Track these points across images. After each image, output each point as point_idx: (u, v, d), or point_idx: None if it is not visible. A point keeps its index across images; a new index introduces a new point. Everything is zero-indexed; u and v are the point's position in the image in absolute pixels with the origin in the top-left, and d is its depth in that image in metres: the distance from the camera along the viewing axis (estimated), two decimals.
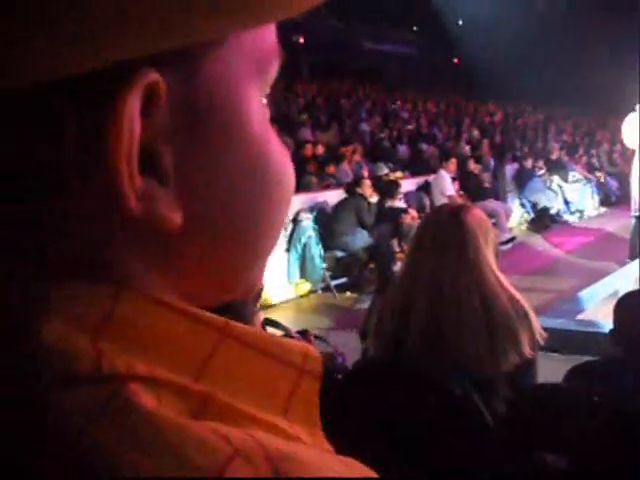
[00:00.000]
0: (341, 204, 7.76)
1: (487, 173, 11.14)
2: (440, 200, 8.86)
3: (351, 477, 0.34)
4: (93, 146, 0.32)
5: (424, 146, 12.59)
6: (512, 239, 9.61)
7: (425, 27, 25.62)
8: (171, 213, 0.34)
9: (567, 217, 12.13)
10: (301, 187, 8.04)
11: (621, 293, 2.79)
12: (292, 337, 1.85)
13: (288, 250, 7.20)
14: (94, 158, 0.32)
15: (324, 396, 0.38)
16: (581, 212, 12.53)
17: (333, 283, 7.38)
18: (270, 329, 1.78)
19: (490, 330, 1.90)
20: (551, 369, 2.33)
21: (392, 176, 9.35)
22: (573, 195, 12.42)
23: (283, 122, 10.82)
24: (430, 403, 1.79)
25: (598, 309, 5.81)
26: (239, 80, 0.36)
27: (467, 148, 12.64)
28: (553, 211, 11.84)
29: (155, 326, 0.34)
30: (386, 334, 2.02)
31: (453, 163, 9.78)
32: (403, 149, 12.41)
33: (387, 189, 8.42)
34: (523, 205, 11.73)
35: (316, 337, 2.17)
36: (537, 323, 1.97)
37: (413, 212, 8.32)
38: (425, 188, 9.76)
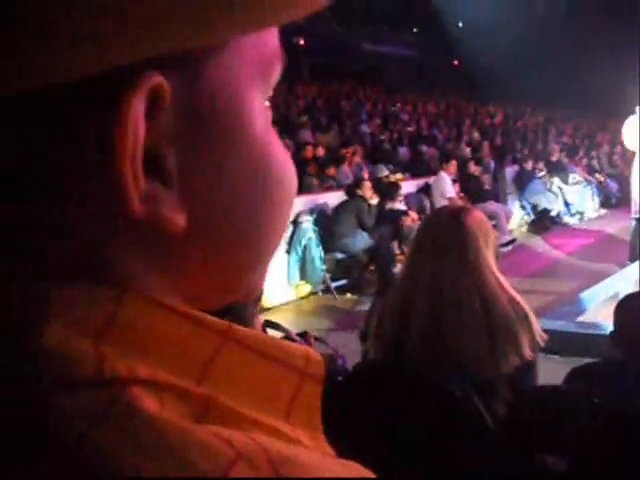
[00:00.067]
0: (341, 206, 7.75)
1: (487, 175, 11.14)
2: (440, 202, 8.87)
3: None
4: (96, 147, 0.32)
5: (424, 148, 12.59)
6: (512, 241, 9.60)
7: (425, 29, 25.63)
8: (174, 215, 0.34)
9: (567, 219, 12.13)
10: (301, 189, 8.01)
11: (621, 295, 2.78)
12: (292, 339, 1.85)
13: (288, 252, 7.18)
14: (97, 159, 0.32)
15: (325, 399, 0.38)
16: (581, 214, 12.52)
17: (333, 285, 7.37)
18: (270, 331, 1.78)
19: (490, 332, 1.90)
20: (551, 371, 2.33)
21: (392, 178, 9.33)
22: (573, 197, 12.42)
23: (283, 124, 10.83)
24: (430, 405, 1.79)
25: (598, 311, 5.81)
26: (241, 83, 0.36)
27: (467, 150, 12.62)
28: (553, 213, 11.84)
29: (157, 329, 0.34)
30: (386, 336, 2.02)
31: (453, 165, 9.78)
32: (403, 151, 12.40)
33: (387, 191, 8.41)
34: (523, 207, 11.74)
35: (316, 339, 2.16)
36: (537, 325, 1.97)
37: (413, 214, 8.30)
38: (425, 190, 9.75)
